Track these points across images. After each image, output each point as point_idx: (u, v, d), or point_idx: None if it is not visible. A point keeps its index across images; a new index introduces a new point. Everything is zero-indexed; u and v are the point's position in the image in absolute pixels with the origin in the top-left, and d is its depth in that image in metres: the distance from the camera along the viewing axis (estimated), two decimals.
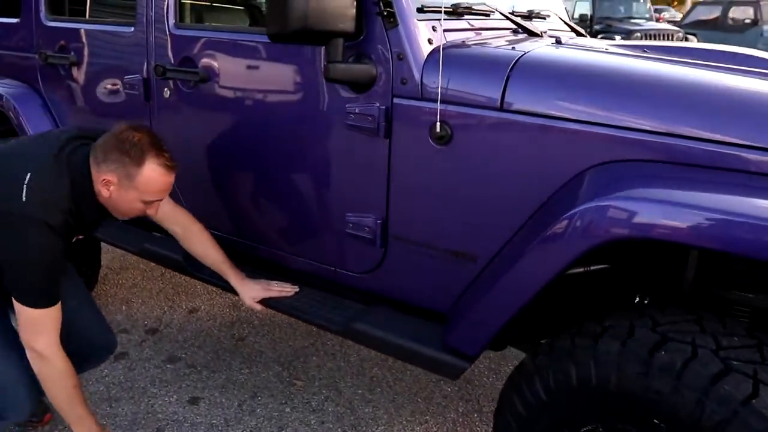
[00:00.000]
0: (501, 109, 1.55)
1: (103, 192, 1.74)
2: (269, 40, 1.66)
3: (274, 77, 1.94)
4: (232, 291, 2.16)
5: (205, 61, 2.09)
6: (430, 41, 1.68)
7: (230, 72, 2.05)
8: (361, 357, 2.90)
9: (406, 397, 2.62)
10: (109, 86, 2.47)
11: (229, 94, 2.06)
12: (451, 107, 1.61)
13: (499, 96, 1.55)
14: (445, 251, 1.74)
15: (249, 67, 2.00)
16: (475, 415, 2.53)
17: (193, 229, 2.12)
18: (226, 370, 2.77)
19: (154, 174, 1.71)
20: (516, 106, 1.54)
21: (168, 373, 2.74)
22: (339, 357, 2.91)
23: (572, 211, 1.36)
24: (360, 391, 2.66)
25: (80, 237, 1.95)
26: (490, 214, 1.64)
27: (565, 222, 1.37)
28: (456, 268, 1.74)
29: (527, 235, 1.53)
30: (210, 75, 2.08)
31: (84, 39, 2.52)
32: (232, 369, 2.78)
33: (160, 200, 1.83)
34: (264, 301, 2.08)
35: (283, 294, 2.09)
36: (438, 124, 1.61)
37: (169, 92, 2.21)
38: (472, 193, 1.64)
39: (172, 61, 2.18)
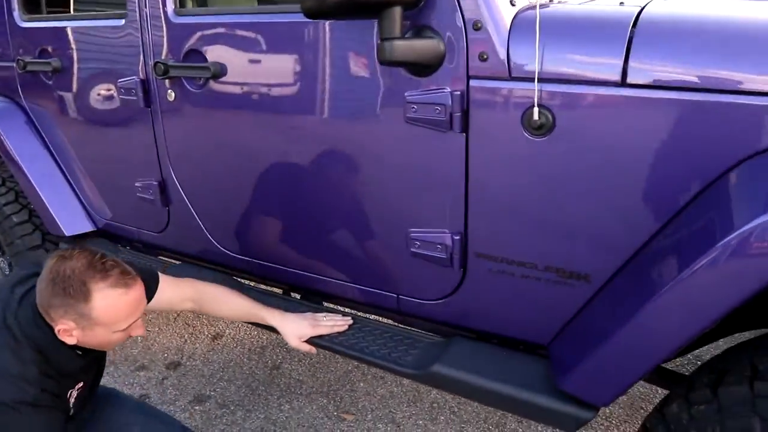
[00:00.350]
0: (623, 83, 1.16)
1: (68, 340, 1.41)
2: (304, 18, 1.28)
3: (307, 66, 1.55)
4: (270, 329, 1.79)
5: (216, 52, 1.70)
6: (512, 3, 1.29)
7: (249, 63, 1.65)
8: None
9: (475, 426, 2.27)
10: (101, 93, 2.08)
11: (250, 91, 1.67)
12: (550, 87, 1.22)
13: (619, 67, 1.16)
14: (546, 270, 1.37)
15: (273, 55, 1.61)
16: None
17: (206, 294, 1.78)
18: (264, 408, 2.42)
19: (109, 302, 1.38)
20: (644, 79, 1.15)
21: (197, 416, 2.39)
22: (390, 380, 2.55)
23: (744, 229, 0.98)
24: (421, 422, 2.30)
25: (81, 385, 1.57)
26: (608, 221, 1.26)
27: (735, 242, 0.99)
28: (561, 290, 1.37)
29: (668, 251, 1.16)
30: (223, 69, 1.69)
31: (67, 39, 2.12)
32: (270, 406, 2.43)
33: (138, 319, 1.47)
34: (313, 341, 1.72)
35: (336, 329, 1.73)
36: (535, 109, 1.23)
37: (173, 94, 1.83)
38: (582, 195, 1.27)
39: (175, 57, 1.79)
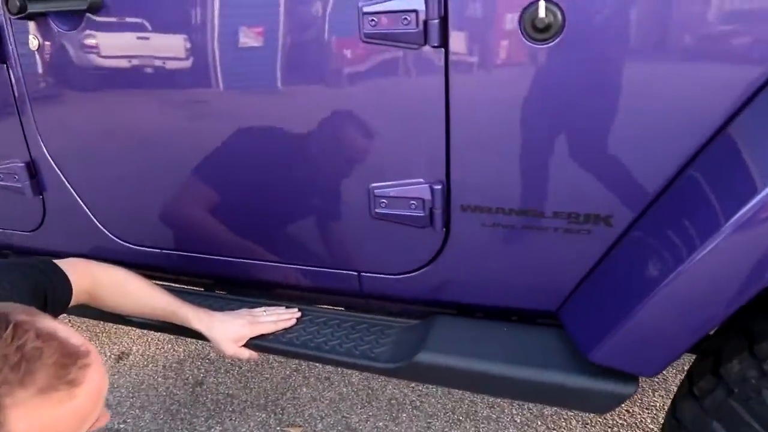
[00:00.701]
0: None
1: None
2: None
3: None
4: (198, 337, 1.40)
5: None
6: None
7: None
8: (366, 374, 2.22)
9: (442, 419, 1.98)
10: None
11: (145, 24, 1.27)
12: None
13: None
14: (555, 216, 1.09)
15: None
16: (539, 422, 1.94)
17: (104, 282, 1.31)
18: None
19: (42, 421, 0.82)
20: None
21: None
22: (336, 381, 2.21)
23: None
24: (381, 423, 1.99)
25: None
26: (635, 146, 1.00)
27: None
28: (575, 240, 1.09)
29: (730, 175, 0.91)
30: None
31: None
32: (197, 430, 2.02)
33: (98, 413, 0.92)
34: (253, 344, 1.35)
35: (281, 325, 1.37)
36: (541, 4, 0.94)
37: (36, 40, 1.38)
38: (601, 115, 1.00)
39: None
